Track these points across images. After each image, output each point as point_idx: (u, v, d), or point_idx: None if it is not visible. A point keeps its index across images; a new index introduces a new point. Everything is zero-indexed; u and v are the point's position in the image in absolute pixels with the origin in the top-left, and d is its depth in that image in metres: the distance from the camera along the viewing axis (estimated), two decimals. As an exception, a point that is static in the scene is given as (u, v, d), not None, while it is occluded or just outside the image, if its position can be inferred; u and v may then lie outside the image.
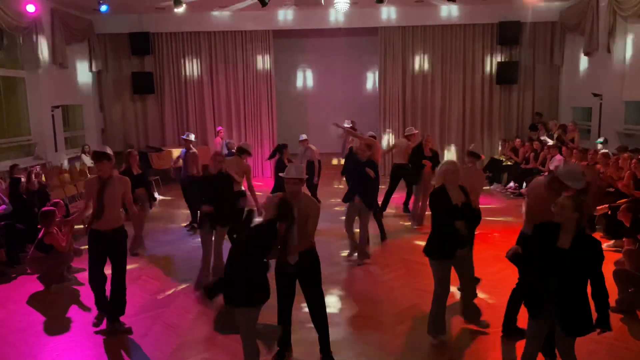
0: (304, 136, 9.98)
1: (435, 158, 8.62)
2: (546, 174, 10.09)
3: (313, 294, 4.34)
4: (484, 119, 14.17)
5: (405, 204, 9.81)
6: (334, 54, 16.11)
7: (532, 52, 13.71)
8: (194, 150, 9.01)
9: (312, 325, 4.43)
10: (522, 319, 4.27)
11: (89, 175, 10.55)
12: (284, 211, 3.83)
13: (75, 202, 9.79)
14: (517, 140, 12.64)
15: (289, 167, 4.33)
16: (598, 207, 7.60)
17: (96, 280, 5.12)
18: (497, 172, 12.41)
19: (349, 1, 11.33)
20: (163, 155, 12.91)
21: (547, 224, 3.51)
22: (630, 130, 10.48)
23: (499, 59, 13.81)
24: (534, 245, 3.54)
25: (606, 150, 9.36)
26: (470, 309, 5.03)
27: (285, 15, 13.62)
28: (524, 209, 4.73)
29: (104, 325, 5.15)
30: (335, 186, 11.61)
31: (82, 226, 8.17)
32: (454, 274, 4.75)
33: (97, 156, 4.97)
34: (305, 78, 16.55)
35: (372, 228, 7.45)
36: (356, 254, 7.08)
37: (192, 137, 9.24)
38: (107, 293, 5.18)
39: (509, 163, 12.25)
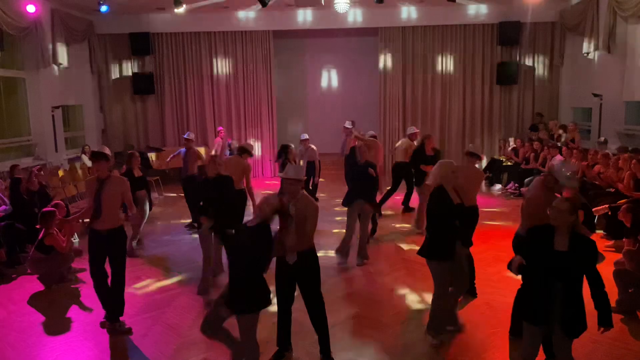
0: (305, 135, 9.98)
1: (438, 157, 8.60)
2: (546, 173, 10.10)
3: (312, 295, 4.34)
4: (484, 119, 14.17)
5: (405, 203, 9.81)
6: (334, 54, 16.11)
7: (532, 53, 13.71)
8: (195, 148, 9.07)
9: (312, 325, 4.43)
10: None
11: (89, 176, 10.55)
12: (282, 211, 3.85)
13: (76, 202, 9.80)
14: (517, 140, 12.63)
15: (287, 167, 4.33)
16: (598, 208, 7.61)
17: (97, 280, 5.13)
18: (497, 173, 12.41)
19: (349, 1, 11.34)
20: (163, 156, 12.90)
21: (540, 227, 3.50)
22: (630, 131, 10.48)
23: (499, 59, 13.81)
24: (531, 249, 3.51)
25: (607, 151, 9.37)
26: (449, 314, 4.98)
27: (286, 16, 13.62)
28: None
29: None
30: None
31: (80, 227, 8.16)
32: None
33: (95, 156, 5.02)
34: (305, 78, 16.54)
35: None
36: (347, 258, 6.92)
37: (192, 136, 9.32)
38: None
39: (509, 163, 12.25)
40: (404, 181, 9.53)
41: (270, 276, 3.81)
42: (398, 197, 9.83)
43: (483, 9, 13.35)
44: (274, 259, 4.09)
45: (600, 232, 7.82)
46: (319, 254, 4.43)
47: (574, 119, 12.85)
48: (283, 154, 9.33)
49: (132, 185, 7.10)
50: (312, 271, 4.30)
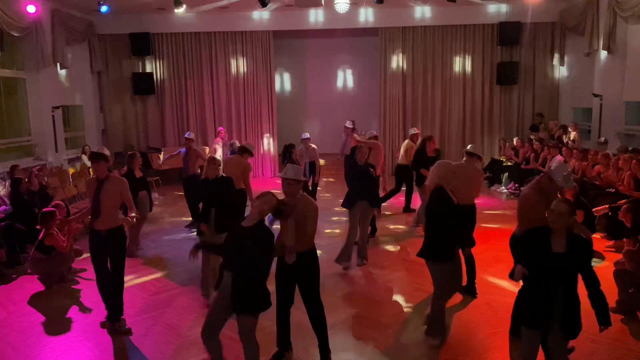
0: (306, 134, 9.88)
1: (439, 158, 8.58)
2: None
3: (311, 295, 4.33)
4: (484, 119, 14.17)
5: (406, 204, 9.81)
6: (334, 54, 16.12)
7: (532, 53, 13.72)
8: (195, 148, 9.10)
9: (327, 322, 4.44)
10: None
11: (89, 176, 10.55)
12: (281, 208, 3.87)
13: (76, 203, 9.80)
14: (517, 140, 12.63)
15: (287, 168, 4.31)
16: (598, 208, 7.61)
17: (99, 279, 5.17)
18: (497, 173, 12.41)
19: (349, 2, 11.34)
20: (164, 161, 12.88)
21: (537, 229, 3.49)
22: (630, 131, 10.48)
23: (499, 60, 13.81)
24: (529, 251, 3.49)
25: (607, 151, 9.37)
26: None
27: (286, 16, 13.63)
28: None
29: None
30: None
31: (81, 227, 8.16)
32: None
33: (95, 157, 5.04)
34: (305, 78, 16.55)
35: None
36: (350, 261, 6.83)
37: (192, 136, 9.37)
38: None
39: (509, 163, 12.25)
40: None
41: (270, 276, 3.81)
42: (401, 197, 9.84)
43: (483, 9, 13.35)
44: (275, 259, 4.09)
45: (600, 233, 7.82)
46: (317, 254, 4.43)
47: (574, 119, 12.85)
48: (287, 154, 9.21)
49: (134, 186, 7.13)
50: (312, 272, 4.30)
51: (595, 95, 11.10)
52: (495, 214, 9.48)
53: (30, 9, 10.34)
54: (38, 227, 6.46)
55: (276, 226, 4.16)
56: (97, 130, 13.97)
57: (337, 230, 8.59)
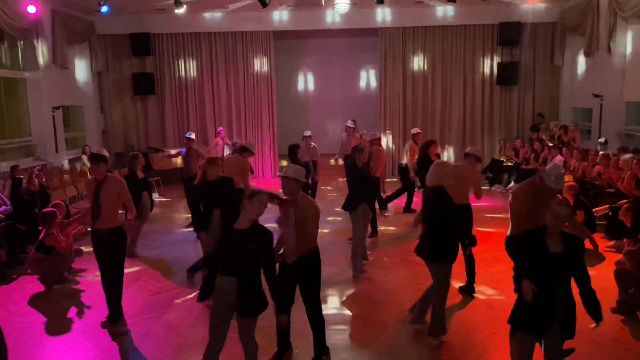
0: (308, 132, 9.80)
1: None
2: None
3: (311, 297, 4.32)
4: (484, 119, 14.17)
5: (407, 204, 9.81)
6: (334, 55, 16.12)
7: (532, 53, 13.72)
8: (197, 149, 9.12)
9: (327, 322, 4.44)
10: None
11: (89, 176, 10.56)
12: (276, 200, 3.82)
13: (76, 203, 9.81)
14: (518, 140, 12.64)
15: (287, 166, 4.31)
16: (598, 208, 7.60)
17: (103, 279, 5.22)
18: (498, 173, 12.41)
19: (349, 2, 11.34)
20: (164, 156, 12.91)
21: (532, 231, 3.47)
22: (630, 131, 10.48)
23: (499, 60, 13.81)
24: (526, 254, 3.47)
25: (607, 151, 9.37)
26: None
27: (286, 16, 13.63)
28: None
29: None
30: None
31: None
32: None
33: (94, 158, 5.10)
34: (305, 78, 16.56)
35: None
36: (362, 265, 6.76)
37: (193, 136, 9.37)
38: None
39: (509, 164, 12.25)
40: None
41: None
42: (402, 197, 9.85)
43: (483, 9, 13.35)
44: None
45: (600, 233, 7.82)
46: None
47: (574, 119, 12.85)
48: (292, 154, 9.10)
49: (138, 187, 7.16)
50: (313, 273, 4.28)
51: (596, 96, 11.09)
52: (496, 214, 9.48)
53: (31, 9, 10.35)
54: (40, 227, 6.47)
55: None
56: (97, 130, 13.98)
57: (326, 230, 8.56)
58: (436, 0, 12.72)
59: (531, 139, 12.60)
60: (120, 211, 5.34)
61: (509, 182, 11.81)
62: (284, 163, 14.57)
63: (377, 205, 7.60)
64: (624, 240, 6.27)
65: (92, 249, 5.28)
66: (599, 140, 10.45)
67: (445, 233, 4.54)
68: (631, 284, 5.27)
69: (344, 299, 5.88)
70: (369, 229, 7.64)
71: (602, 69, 11.24)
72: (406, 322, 5.10)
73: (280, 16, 13.61)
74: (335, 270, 6.63)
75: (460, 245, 4.75)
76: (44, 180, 8.65)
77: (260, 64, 14.09)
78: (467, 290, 5.78)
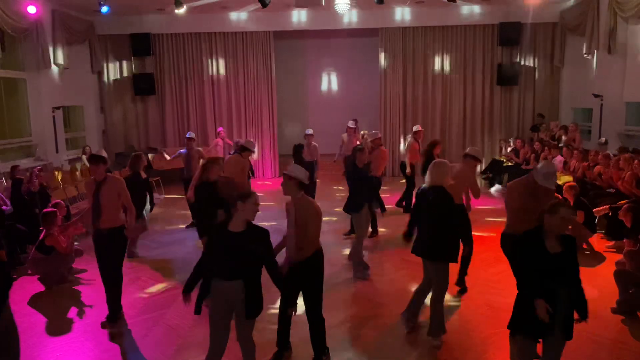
0: (310, 130, 9.75)
1: None
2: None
3: (313, 299, 4.32)
4: (484, 120, 14.18)
5: (407, 204, 9.79)
6: (334, 55, 16.13)
7: (532, 53, 13.73)
8: (198, 148, 9.14)
9: (327, 322, 4.44)
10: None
11: (89, 177, 10.56)
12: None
13: (76, 203, 9.81)
14: (518, 140, 12.64)
15: (293, 166, 4.32)
16: (599, 208, 7.60)
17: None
18: (498, 173, 12.41)
19: (349, 2, 11.33)
20: (160, 158, 12.92)
21: (531, 232, 3.46)
22: (630, 131, 10.48)
23: (499, 60, 13.81)
24: (527, 255, 3.45)
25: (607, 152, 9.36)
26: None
27: (286, 17, 13.63)
28: None
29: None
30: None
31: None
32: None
33: (94, 159, 5.12)
34: (305, 79, 16.56)
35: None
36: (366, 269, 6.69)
37: (193, 136, 9.39)
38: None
39: (509, 164, 12.25)
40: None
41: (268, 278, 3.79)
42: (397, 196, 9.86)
43: (483, 9, 13.35)
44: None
45: (600, 233, 7.82)
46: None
47: (574, 119, 12.85)
48: (297, 154, 9.00)
49: (141, 187, 7.17)
50: (315, 274, 4.28)
51: (596, 96, 11.10)
52: (495, 215, 9.47)
53: (31, 9, 10.35)
54: (40, 227, 6.47)
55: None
56: (97, 130, 13.98)
57: (324, 230, 8.53)
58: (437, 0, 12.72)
59: (531, 139, 12.59)
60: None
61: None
62: (286, 164, 14.60)
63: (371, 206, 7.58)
64: (624, 240, 6.27)
65: (92, 249, 5.30)
66: (599, 140, 10.45)
67: (445, 232, 4.55)
68: (631, 284, 5.27)
69: (343, 299, 5.87)
70: (369, 230, 7.65)
71: (602, 69, 11.24)
72: (400, 324, 5.10)
73: (280, 16, 13.61)
74: (335, 270, 6.63)
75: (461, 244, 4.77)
76: (44, 180, 8.66)
77: (261, 64, 14.09)
78: (459, 283, 5.83)
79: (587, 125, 12.24)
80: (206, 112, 14.32)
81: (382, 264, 7.01)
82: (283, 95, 15.54)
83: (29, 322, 5.42)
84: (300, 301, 4.33)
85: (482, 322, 5.18)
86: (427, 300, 4.88)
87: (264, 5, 10.65)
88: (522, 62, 13.76)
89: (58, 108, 11.51)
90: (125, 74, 14.26)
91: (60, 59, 11.70)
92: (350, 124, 10.83)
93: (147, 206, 7.63)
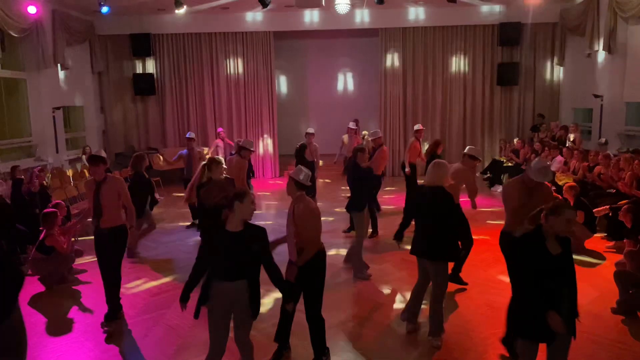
0: (311, 130, 9.75)
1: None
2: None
3: (313, 298, 4.32)
4: (484, 120, 14.18)
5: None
6: (334, 55, 16.14)
7: (532, 53, 13.73)
8: (199, 149, 9.13)
9: (327, 322, 4.44)
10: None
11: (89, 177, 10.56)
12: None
13: (76, 203, 9.81)
14: (518, 141, 12.64)
15: (298, 169, 4.35)
16: (599, 209, 7.60)
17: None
18: (498, 173, 12.41)
19: (349, 2, 11.34)
20: (163, 161, 12.93)
21: (531, 234, 3.43)
22: (630, 131, 10.48)
23: (499, 60, 13.82)
24: (529, 255, 3.41)
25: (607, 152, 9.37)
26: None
27: (286, 17, 13.64)
28: None
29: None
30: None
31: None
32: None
33: (94, 160, 5.14)
34: (306, 79, 16.57)
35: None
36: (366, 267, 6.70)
37: (193, 136, 9.39)
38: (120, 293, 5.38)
39: (509, 164, 12.25)
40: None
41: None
42: (398, 196, 9.85)
43: (484, 9, 13.36)
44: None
45: (600, 233, 7.82)
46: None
47: (574, 119, 12.86)
48: (300, 154, 8.92)
49: (144, 188, 7.20)
50: (316, 274, 4.28)
51: (596, 96, 11.10)
52: (496, 215, 9.47)
53: (31, 9, 10.36)
54: (40, 227, 6.48)
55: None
56: (97, 130, 13.99)
57: (324, 230, 8.55)
58: (437, 0, 12.72)
59: (531, 139, 12.59)
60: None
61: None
62: (287, 164, 14.62)
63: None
64: (625, 240, 6.27)
65: (92, 249, 5.31)
66: (599, 140, 10.46)
67: (445, 232, 4.55)
68: (631, 284, 5.27)
69: (343, 299, 5.87)
70: (369, 230, 7.66)
71: (603, 69, 11.25)
72: (400, 324, 5.11)
73: (280, 16, 13.61)
74: (335, 270, 6.63)
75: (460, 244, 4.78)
76: (44, 180, 8.66)
77: (261, 64, 14.10)
78: (454, 281, 5.87)
79: (587, 126, 12.24)
80: (206, 112, 14.32)
81: (382, 264, 7.01)
82: (283, 95, 15.55)
83: (29, 322, 5.40)
84: (300, 303, 4.34)
85: (482, 322, 5.18)
86: (427, 300, 4.89)
87: (264, 5, 10.66)
88: (522, 63, 13.76)
89: (58, 108, 11.51)
90: (125, 74, 14.27)
91: (61, 59, 11.70)
92: (351, 124, 10.84)
93: (147, 207, 7.64)
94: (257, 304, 3.66)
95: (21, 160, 10.51)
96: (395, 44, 13.96)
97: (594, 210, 7.56)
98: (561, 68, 13.65)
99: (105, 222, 5.09)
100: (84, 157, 11.81)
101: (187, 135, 9.60)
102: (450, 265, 5.22)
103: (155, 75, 14.14)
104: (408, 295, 5.87)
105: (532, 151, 11.67)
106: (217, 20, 13.75)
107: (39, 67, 10.96)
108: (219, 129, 12.29)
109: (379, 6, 12.15)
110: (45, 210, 6.62)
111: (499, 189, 12.00)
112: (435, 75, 14.08)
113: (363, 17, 13.61)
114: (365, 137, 11.30)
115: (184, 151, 9.37)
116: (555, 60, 13.60)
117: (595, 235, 7.66)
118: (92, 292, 6.15)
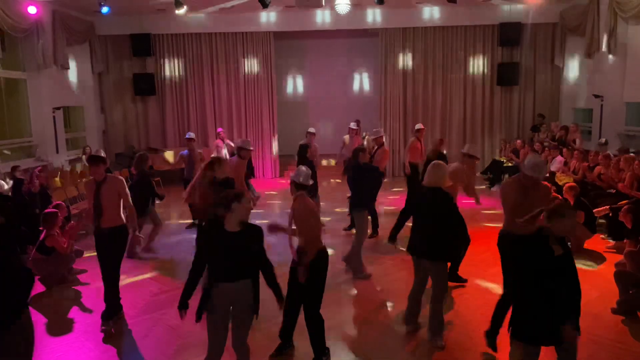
0: (312, 129, 9.70)
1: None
2: (547, 175, 10.10)
3: (312, 297, 4.33)
4: (484, 120, 14.18)
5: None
6: (335, 55, 16.14)
7: (532, 54, 13.74)
8: (199, 150, 9.13)
9: (327, 322, 4.46)
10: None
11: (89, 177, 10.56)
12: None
13: (77, 204, 9.81)
14: (518, 141, 12.64)
15: (299, 170, 4.36)
16: (599, 209, 7.60)
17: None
18: (498, 174, 12.41)
19: (349, 3, 11.34)
20: (164, 157, 12.94)
21: (536, 235, 3.42)
22: (631, 132, 10.48)
23: (499, 60, 13.82)
24: (534, 258, 3.39)
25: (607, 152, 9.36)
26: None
27: (287, 17, 13.64)
28: None
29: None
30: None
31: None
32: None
33: (94, 160, 5.14)
34: (306, 79, 16.57)
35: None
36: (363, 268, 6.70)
37: (193, 136, 9.38)
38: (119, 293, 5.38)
39: (509, 164, 12.25)
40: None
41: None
42: (399, 197, 9.84)
43: (484, 10, 13.35)
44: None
45: (601, 234, 7.82)
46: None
47: (574, 120, 12.85)
48: (302, 154, 8.80)
49: (148, 188, 7.22)
50: (316, 273, 4.29)
51: (596, 96, 11.10)
52: (496, 215, 9.47)
53: (32, 10, 10.36)
54: (41, 228, 6.48)
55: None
56: (97, 131, 13.99)
57: (324, 230, 8.56)
58: (437, 0, 12.72)
59: (532, 139, 12.59)
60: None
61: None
62: (287, 164, 14.62)
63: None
64: (625, 241, 6.27)
65: (92, 249, 5.32)
66: (599, 140, 10.45)
67: (446, 233, 4.56)
68: (631, 284, 5.27)
69: (344, 299, 5.87)
70: (369, 230, 7.66)
71: (603, 69, 11.24)
72: (400, 324, 5.11)
73: (280, 17, 13.61)
74: (335, 270, 6.62)
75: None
76: (45, 180, 8.65)
77: (261, 65, 14.10)
78: (453, 279, 5.89)
79: (588, 126, 12.24)
80: (206, 113, 14.32)
81: (382, 264, 7.01)
82: (283, 96, 15.54)
83: (30, 322, 5.42)
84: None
85: (483, 322, 5.15)
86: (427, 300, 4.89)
87: (265, 5, 10.65)
88: (523, 63, 13.76)
89: (58, 108, 11.51)
90: (125, 74, 14.27)
91: (61, 59, 11.70)
92: (352, 125, 10.82)
93: (151, 206, 7.67)
94: (258, 303, 3.67)
95: (21, 160, 10.51)
96: (396, 45, 13.95)
97: (594, 211, 7.55)
98: (561, 68, 13.64)
99: (105, 222, 5.10)
100: (84, 157, 11.81)
101: (186, 136, 9.58)
102: (448, 264, 5.23)
103: (155, 76, 14.14)
104: (407, 296, 5.89)
105: (532, 151, 11.65)
106: (217, 21, 13.75)
107: (39, 67, 10.96)
108: (219, 129, 12.27)
109: (379, 6, 12.16)
110: (45, 211, 6.62)
111: (498, 189, 11.98)
112: (436, 76, 14.07)
113: (363, 17, 13.60)
114: (366, 137, 11.29)
115: (185, 152, 9.37)
116: (556, 60, 13.60)
117: (595, 235, 7.66)
118: (92, 292, 6.15)
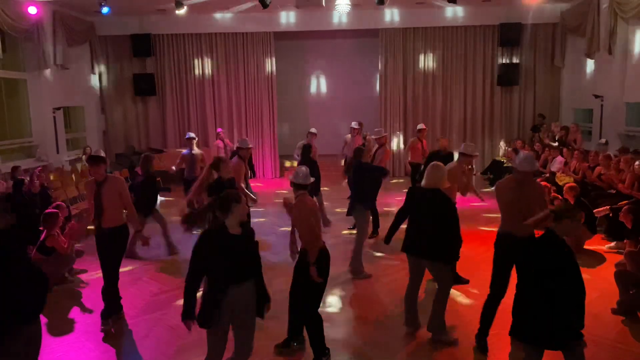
0: (314, 129, 9.70)
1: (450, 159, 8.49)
2: (547, 175, 10.10)
3: (311, 296, 4.34)
4: (485, 120, 14.18)
5: None
6: (335, 56, 16.13)
7: (533, 54, 13.73)
8: (200, 150, 9.13)
9: (328, 323, 4.48)
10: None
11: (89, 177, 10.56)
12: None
13: (77, 204, 9.81)
14: (518, 141, 12.64)
15: (297, 171, 4.37)
16: (599, 209, 7.60)
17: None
18: (498, 174, 12.40)
19: (350, 3, 11.34)
20: (164, 157, 12.93)
21: (545, 236, 3.41)
22: (631, 132, 10.48)
23: (500, 61, 13.82)
24: (543, 260, 3.38)
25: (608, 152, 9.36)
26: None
27: (287, 17, 13.64)
28: None
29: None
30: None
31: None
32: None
33: (94, 160, 5.16)
34: (306, 79, 16.56)
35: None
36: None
37: (193, 135, 9.38)
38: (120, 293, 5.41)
39: (509, 164, 12.24)
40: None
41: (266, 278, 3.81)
42: (400, 198, 9.84)
43: (484, 10, 13.36)
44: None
45: (601, 234, 7.82)
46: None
47: (574, 120, 12.85)
48: (305, 154, 8.86)
49: (153, 188, 7.24)
50: (318, 274, 4.29)
51: (596, 97, 11.09)
52: (496, 215, 9.47)
53: (32, 10, 10.37)
54: (42, 228, 6.48)
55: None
56: (98, 131, 13.99)
57: (324, 230, 8.55)
58: (437, 1, 12.72)
59: (532, 139, 12.58)
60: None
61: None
62: (287, 164, 14.63)
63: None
64: (625, 241, 6.27)
65: (92, 249, 5.32)
66: (600, 141, 10.45)
67: (446, 233, 4.57)
68: (631, 285, 5.27)
69: (344, 299, 5.88)
70: (369, 230, 7.65)
71: (603, 69, 11.24)
72: (400, 324, 5.12)
73: (281, 17, 13.61)
74: (335, 270, 6.61)
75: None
76: (45, 181, 8.66)
77: (261, 65, 14.09)
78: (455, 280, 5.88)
79: (588, 126, 12.23)
80: (207, 113, 14.32)
81: (382, 263, 7.01)
82: (283, 95, 15.54)
83: (30, 322, 5.42)
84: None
85: (483, 322, 5.17)
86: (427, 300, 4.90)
87: (265, 6, 10.66)
88: (523, 63, 13.76)
89: (59, 108, 11.52)
90: (125, 74, 14.26)
91: (61, 60, 11.71)
92: (354, 124, 10.81)
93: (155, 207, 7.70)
94: (262, 305, 3.69)
95: (21, 160, 10.52)
96: (396, 45, 13.94)
97: (594, 211, 7.56)
98: (561, 68, 13.64)
99: (106, 222, 5.10)
100: (84, 157, 11.81)
101: (186, 136, 9.57)
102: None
103: (155, 76, 14.14)
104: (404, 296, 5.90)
105: (533, 151, 11.66)
106: (217, 21, 13.76)
107: (39, 67, 10.97)
108: (219, 130, 12.28)
109: (379, 7, 12.15)
110: (46, 211, 6.62)
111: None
112: (436, 76, 14.07)
113: (363, 17, 13.59)
114: (367, 137, 11.27)
115: (186, 151, 9.36)
116: (556, 60, 13.59)
117: (595, 235, 7.66)
118: (92, 292, 6.14)
